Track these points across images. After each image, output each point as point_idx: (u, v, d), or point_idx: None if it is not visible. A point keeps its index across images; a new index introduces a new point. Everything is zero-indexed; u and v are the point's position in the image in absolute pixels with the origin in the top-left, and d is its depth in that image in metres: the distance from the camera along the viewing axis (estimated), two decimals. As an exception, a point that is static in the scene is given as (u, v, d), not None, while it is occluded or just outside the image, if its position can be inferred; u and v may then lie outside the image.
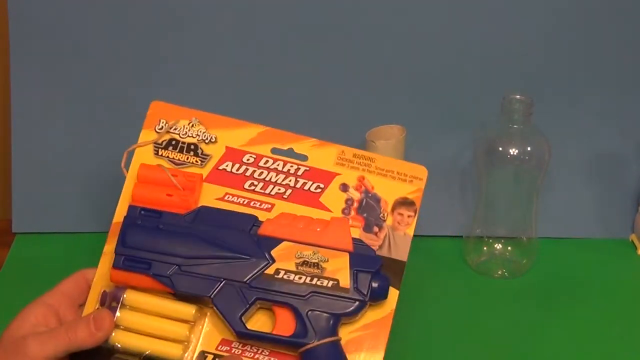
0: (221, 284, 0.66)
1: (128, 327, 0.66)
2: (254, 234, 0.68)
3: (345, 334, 0.68)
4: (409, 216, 0.72)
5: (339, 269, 0.67)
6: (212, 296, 0.66)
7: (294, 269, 0.67)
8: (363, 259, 0.68)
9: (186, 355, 0.67)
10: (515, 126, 0.90)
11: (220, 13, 0.97)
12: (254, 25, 0.97)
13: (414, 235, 1.00)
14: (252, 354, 0.67)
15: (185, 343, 0.66)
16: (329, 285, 0.67)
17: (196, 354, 0.67)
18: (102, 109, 0.99)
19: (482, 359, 0.82)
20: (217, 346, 0.68)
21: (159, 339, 0.66)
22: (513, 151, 0.91)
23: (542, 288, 0.94)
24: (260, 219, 0.70)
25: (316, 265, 0.67)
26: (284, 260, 0.67)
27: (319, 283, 0.67)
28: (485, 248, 0.97)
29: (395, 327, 0.86)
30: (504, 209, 0.96)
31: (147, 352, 0.66)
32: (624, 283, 0.95)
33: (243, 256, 0.67)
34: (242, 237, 0.68)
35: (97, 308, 0.68)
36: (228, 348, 0.67)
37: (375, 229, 0.71)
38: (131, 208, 0.69)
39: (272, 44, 0.98)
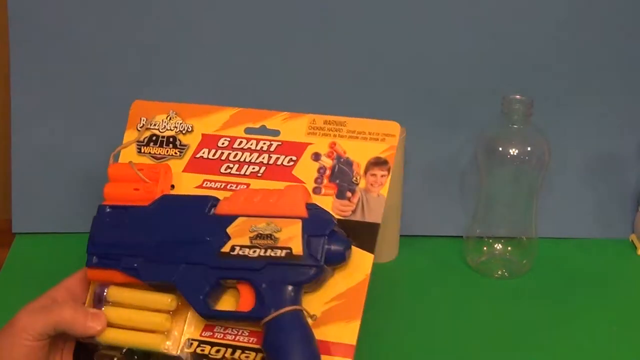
0: (182, 268, 0.67)
1: (110, 322, 0.67)
2: (211, 215, 0.68)
3: (320, 305, 0.67)
4: (382, 176, 0.70)
5: (292, 237, 0.66)
6: (174, 281, 0.67)
7: (248, 243, 0.66)
8: (316, 224, 0.67)
9: (169, 343, 0.67)
10: (515, 126, 0.90)
11: (221, 14, 0.97)
12: (253, 23, 0.97)
13: (415, 236, 1.01)
14: (233, 336, 0.67)
15: (165, 332, 0.67)
16: (282, 254, 0.66)
17: (182, 342, 0.68)
18: (102, 109, 0.99)
19: (482, 359, 0.82)
20: (201, 332, 0.68)
21: (138, 331, 0.67)
22: (513, 151, 0.91)
23: (542, 288, 0.93)
24: (221, 198, 0.70)
25: (269, 236, 0.66)
26: (238, 236, 0.67)
27: (272, 254, 0.66)
28: (485, 248, 0.97)
29: (395, 327, 0.86)
30: (504, 209, 0.96)
31: (125, 348, 0.67)
32: (624, 283, 0.95)
33: (201, 238, 0.67)
34: (199, 218, 0.68)
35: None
36: (211, 333, 0.68)
37: (348, 194, 0.70)
38: (100, 207, 0.71)
39: (271, 44, 0.98)
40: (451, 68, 0.99)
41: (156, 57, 0.98)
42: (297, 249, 0.66)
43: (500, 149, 0.91)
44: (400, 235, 0.99)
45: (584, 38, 0.99)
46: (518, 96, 0.90)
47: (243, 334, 0.67)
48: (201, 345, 0.67)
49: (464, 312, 0.89)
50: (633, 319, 0.88)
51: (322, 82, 0.99)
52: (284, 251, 0.66)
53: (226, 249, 0.67)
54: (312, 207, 0.68)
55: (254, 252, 0.66)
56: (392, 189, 0.94)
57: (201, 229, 0.68)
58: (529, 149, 0.91)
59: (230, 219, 0.68)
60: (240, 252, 0.66)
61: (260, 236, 0.66)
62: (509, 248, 0.97)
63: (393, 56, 0.98)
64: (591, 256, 1.00)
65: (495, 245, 0.97)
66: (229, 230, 0.67)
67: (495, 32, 0.98)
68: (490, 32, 0.98)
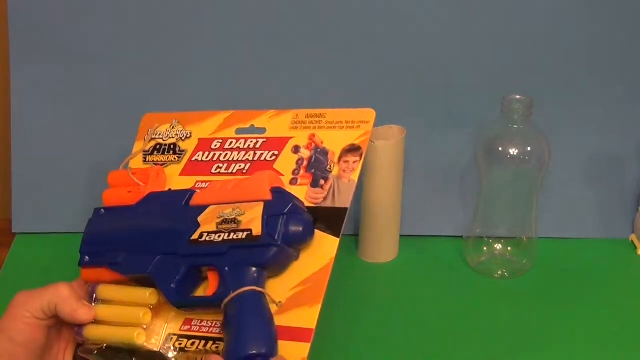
0: (157, 259, 0.68)
1: (98, 319, 0.68)
2: (187, 206, 0.70)
3: (286, 291, 0.67)
4: (354, 162, 0.71)
5: (253, 219, 0.67)
6: (150, 271, 0.67)
7: (214, 229, 0.67)
8: (276, 205, 0.67)
9: (151, 343, 0.68)
10: (515, 126, 0.90)
11: (221, 17, 0.97)
12: (254, 25, 0.97)
13: (415, 236, 1.01)
14: (208, 329, 0.68)
15: (144, 326, 0.67)
16: (244, 236, 0.66)
17: (163, 338, 0.69)
18: (102, 109, 0.99)
19: (482, 359, 0.82)
20: (180, 327, 0.69)
21: (117, 326, 0.67)
22: (513, 151, 0.91)
23: (542, 288, 0.93)
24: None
25: (233, 220, 0.67)
26: (207, 224, 0.68)
27: (234, 237, 0.66)
28: (485, 248, 0.97)
29: (395, 327, 0.86)
30: (504, 209, 0.96)
31: (105, 344, 0.67)
32: (624, 283, 0.95)
33: (175, 229, 0.68)
34: (176, 211, 0.70)
35: None
36: (189, 327, 0.69)
37: (322, 182, 0.71)
38: (95, 210, 0.73)
39: (270, 44, 0.98)
40: (451, 68, 0.99)
41: (158, 58, 0.98)
42: (257, 229, 0.66)
43: (500, 149, 0.91)
44: (400, 235, 0.99)
45: (583, 38, 0.98)
46: (518, 96, 0.90)
47: (215, 326, 0.68)
48: (179, 339, 0.68)
49: (463, 312, 0.89)
50: (633, 319, 0.88)
51: (321, 82, 0.99)
52: (245, 233, 0.66)
53: (195, 236, 0.68)
54: (276, 191, 0.68)
55: (219, 236, 0.67)
56: (391, 189, 0.95)
57: (176, 220, 0.69)
58: (529, 149, 0.91)
59: (202, 208, 0.69)
60: (207, 239, 0.67)
61: (225, 221, 0.67)
62: (509, 248, 0.97)
63: (393, 56, 0.98)
64: (591, 256, 1.00)
65: (495, 245, 0.97)
66: (199, 218, 0.68)
67: (494, 32, 0.98)
68: (489, 32, 0.98)
